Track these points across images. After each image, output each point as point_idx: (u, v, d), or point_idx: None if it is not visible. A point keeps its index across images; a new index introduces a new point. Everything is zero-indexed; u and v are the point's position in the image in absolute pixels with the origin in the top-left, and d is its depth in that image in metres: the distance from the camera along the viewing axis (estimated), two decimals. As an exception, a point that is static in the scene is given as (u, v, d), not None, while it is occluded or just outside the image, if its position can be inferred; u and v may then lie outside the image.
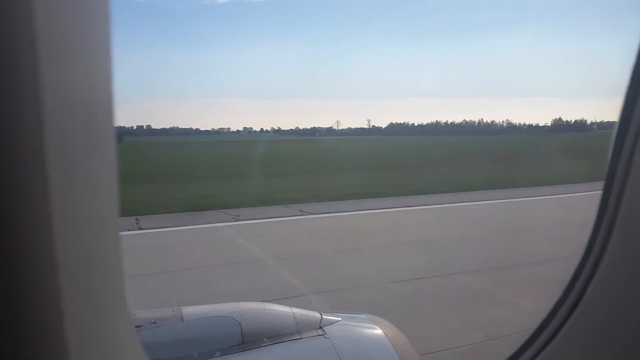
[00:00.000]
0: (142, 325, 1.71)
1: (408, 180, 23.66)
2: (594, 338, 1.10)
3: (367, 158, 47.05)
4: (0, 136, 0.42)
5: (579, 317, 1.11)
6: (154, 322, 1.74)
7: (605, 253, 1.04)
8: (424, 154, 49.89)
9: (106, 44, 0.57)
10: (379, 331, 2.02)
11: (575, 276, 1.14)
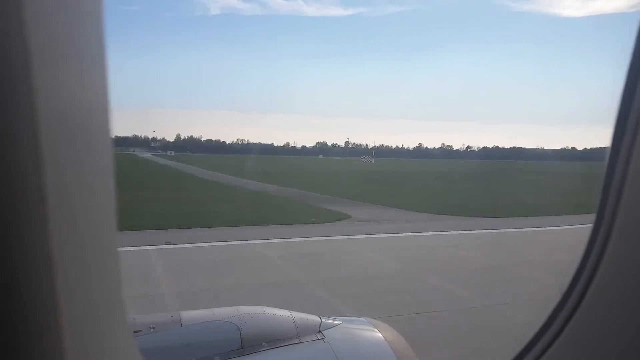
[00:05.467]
0: (140, 330, 1.70)
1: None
2: (594, 341, 1.09)
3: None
4: None
5: (578, 321, 1.11)
6: (153, 327, 1.73)
7: (604, 257, 1.04)
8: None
9: (101, 51, 0.57)
10: (378, 335, 2.01)
11: (575, 279, 1.13)
